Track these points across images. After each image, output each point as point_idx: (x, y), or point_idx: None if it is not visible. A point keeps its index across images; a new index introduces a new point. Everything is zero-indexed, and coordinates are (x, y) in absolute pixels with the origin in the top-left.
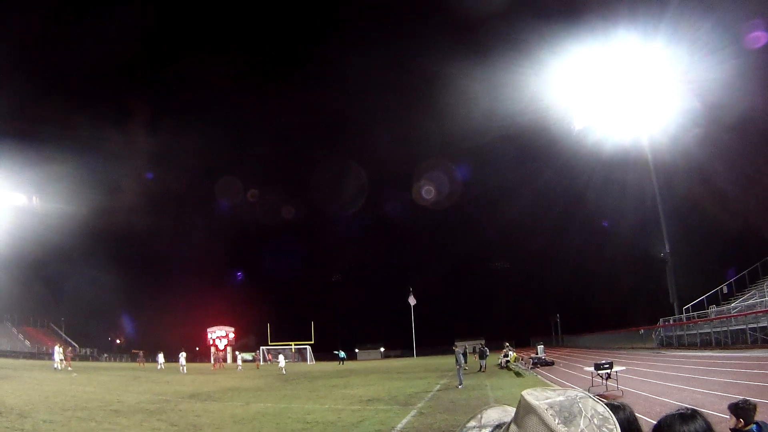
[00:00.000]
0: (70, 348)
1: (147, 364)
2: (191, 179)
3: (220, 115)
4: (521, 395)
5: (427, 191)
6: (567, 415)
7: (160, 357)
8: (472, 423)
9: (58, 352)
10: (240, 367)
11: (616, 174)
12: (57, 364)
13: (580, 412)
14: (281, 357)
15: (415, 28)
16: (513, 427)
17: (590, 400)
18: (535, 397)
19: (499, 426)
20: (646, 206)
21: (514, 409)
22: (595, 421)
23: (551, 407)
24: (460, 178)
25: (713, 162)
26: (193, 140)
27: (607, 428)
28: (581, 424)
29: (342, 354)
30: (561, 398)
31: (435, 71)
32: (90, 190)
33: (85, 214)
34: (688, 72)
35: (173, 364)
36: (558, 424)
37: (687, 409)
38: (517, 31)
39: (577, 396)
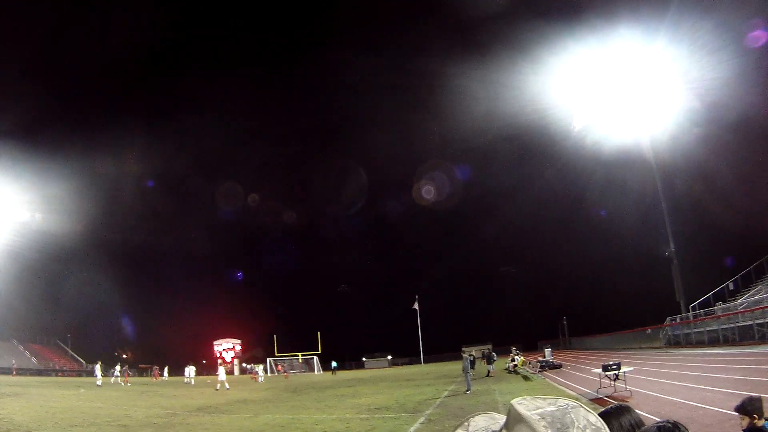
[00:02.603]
0: (126, 366)
1: (160, 378)
2: (192, 187)
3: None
4: (511, 404)
5: (429, 194)
6: (559, 426)
7: (165, 372)
8: (459, 431)
9: (99, 368)
10: (261, 379)
11: (618, 174)
12: (99, 381)
13: (573, 422)
14: (221, 369)
15: (414, 29)
16: None
17: (582, 409)
18: (525, 407)
19: None
20: (649, 205)
21: (502, 417)
22: (588, 431)
23: (543, 418)
24: (462, 181)
25: (715, 160)
26: (193, 144)
27: None
28: None
29: (334, 364)
30: (552, 408)
31: (435, 72)
32: (90, 204)
33: (86, 230)
34: (689, 71)
35: (181, 378)
36: None
37: (667, 421)
38: (516, 31)
39: (568, 405)
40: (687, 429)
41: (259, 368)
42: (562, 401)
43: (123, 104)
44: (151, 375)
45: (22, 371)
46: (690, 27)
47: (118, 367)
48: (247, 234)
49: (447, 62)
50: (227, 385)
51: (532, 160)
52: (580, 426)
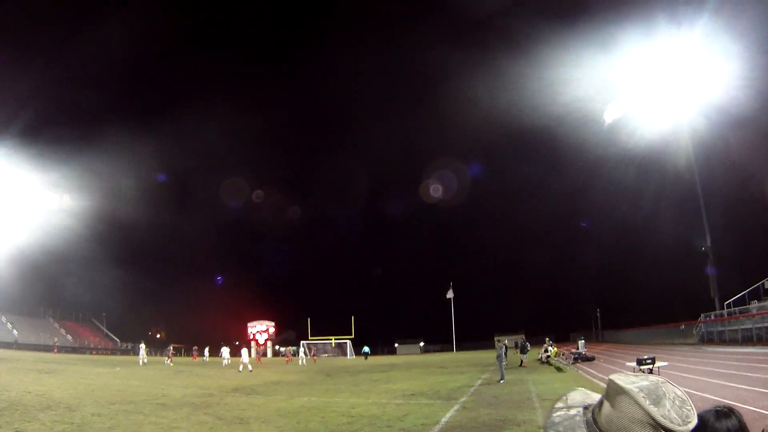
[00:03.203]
0: (170, 346)
1: (199, 358)
2: (220, 179)
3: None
4: (610, 379)
5: (465, 186)
6: (655, 397)
7: (206, 352)
8: (559, 404)
9: (143, 348)
10: (303, 362)
11: (654, 167)
12: (143, 360)
13: (665, 394)
14: (244, 351)
15: (425, 26)
16: (606, 407)
17: (669, 384)
18: (624, 381)
19: (586, 407)
20: (687, 200)
21: (594, 393)
22: (677, 403)
23: (641, 390)
24: (498, 174)
25: (755, 155)
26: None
27: (685, 409)
28: (667, 405)
29: (366, 349)
30: (646, 383)
31: (445, 68)
32: (122, 189)
33: (120, 213)
34: (731, 61)
35: (216, 358)
36: (649, 405)
37: (724, 406)
38: (543, 24)
39: (659, 381)
40: (741, 415)
41: (301, 350)
42: (653, 377)
43: (127, 101)
44: (190, 355)
45: (58, 348)
46: (731, 15)
47: (171, 348)
48: (284, 223)
49: (466, 58)
50: (250, 368)
51: (565, 154)
52: (671, 398)
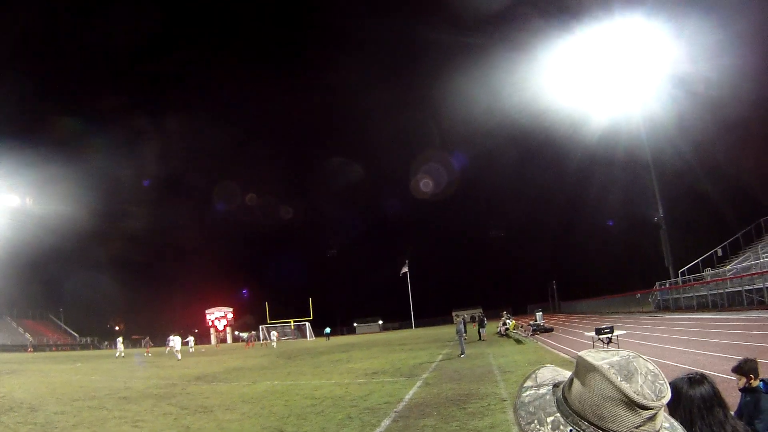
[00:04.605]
0: (147, 338)
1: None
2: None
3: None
4: (579, 356)
5: (422, 166)
6: (626, 373)
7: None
8: (529, 383)
9: (120, 342)
10: (274, 344)
11: (608, 141)
12: (121, 354)
13: (636, 370)
14: (176, 339)
15: (413, 23)
16: (576, 384)
17: (641, 359)
18: (593, 357)
19: (556, 385)
20: (639, 171)
21: (564, 370)
22: (649, 377)
23: (612, 366)
24: (456, 152)
25: (706, 126)
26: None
27: (658, 383)
28: (639, 380)
29: (327, 330)
30: (617, 358)
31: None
32: (81, 183)
33: (76, 209)
34: (680, 36)
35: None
36: (621, 381)
37: (696, 373)
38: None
39: (630, 356)
40: (714, 381)
41: (273, 334)
42: (623, 352)
43: (123, 101)
44: (164, 345)
45: (17, 347)
46: None
47: (171, 337)
48: (242, 208)
49: (440, 52)
50: (179, 356)
51: (521, 131)
52: (643, 373)
